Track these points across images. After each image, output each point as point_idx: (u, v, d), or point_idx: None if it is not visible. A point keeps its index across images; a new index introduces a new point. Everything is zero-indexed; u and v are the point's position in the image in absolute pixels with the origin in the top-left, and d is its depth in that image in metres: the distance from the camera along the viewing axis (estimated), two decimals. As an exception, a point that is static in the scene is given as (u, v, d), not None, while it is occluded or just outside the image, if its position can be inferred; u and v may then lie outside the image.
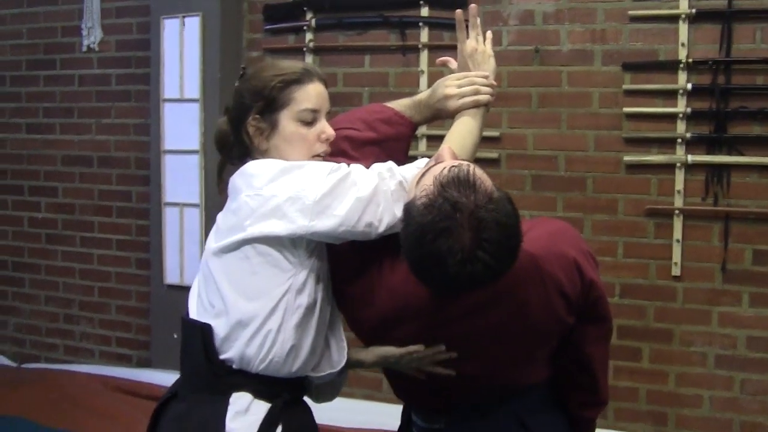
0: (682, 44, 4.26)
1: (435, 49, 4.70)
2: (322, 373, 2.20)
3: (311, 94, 2.16)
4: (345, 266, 2.15)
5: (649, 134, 4.38)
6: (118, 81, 5.56)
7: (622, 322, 4.36)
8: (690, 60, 4.25)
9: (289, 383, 2.13)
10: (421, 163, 2.11)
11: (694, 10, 4.22)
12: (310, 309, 2.08)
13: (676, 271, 4.36)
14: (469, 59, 2.39)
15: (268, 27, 5.08)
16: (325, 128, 2.17)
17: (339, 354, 2.21)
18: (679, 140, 4.29)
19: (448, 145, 2.09)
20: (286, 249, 2.03)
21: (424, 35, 4.75)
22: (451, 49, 4.42)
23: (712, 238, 4.32)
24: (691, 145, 4.29)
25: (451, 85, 2.34)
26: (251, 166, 2.09)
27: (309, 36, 4.96)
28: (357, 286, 2.12)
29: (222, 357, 2.08)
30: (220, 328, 2.08)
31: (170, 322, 5.20)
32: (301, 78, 2.16)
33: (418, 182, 1.91)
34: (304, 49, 4.96)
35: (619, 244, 4.42)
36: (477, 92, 2.33)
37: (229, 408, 2.05)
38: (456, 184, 1.79)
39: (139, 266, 5.60)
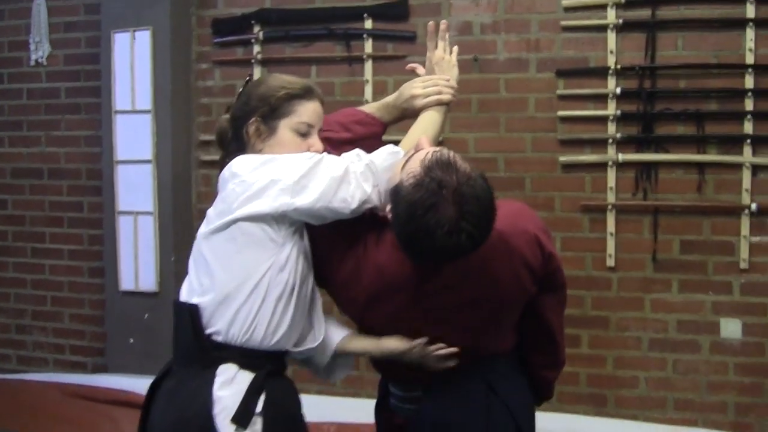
0: (611, 52, 4.55)
1: (379, 59, 4.94)
2: (303, 348, 2.44)
3: (310, 110, 2.43)
4: (332, 251, 2.38)
5: (582, 136, 4.65)
6: (67, 94, 5.63)
7: (562, 312, 4.64)
8: (618, 66, 4.54)
9: (271, 356, 2.35)
10: (388, 149, 2.38)
11: (621, 21, 4.51)
12: (290, 285, 2.31)
13: (610, 262, 4.64)
14: (436, 65, 2.71)
15: (217, 40, 5.24)
16: (315, 143, 2.43)
17: (319, 331, 2.45)
18: (610, 141, 4.57)
19: (425, 135, 2.39)
20: (270, 228, 2.26)
21: (369, 46, 4.97)
22: (394, 59, 4.79)
23: (642, 231, 4.60)
24: (621, 144, 4.57)
25: (417, 87, 2.64)
26: (236, 161, 2.34)
27: (257, 48, 5.13)
28: (344, 268, 2.35)
29: (209, 332, 2.30)
30: (208, 304, 2.30)
31: (126, 327, 5.35)
32: (304, 94, 2.43)
33: (402, 168, 2.19)
34: (253, 61, 5.12)
35: (557, 239, 4.64)
36: (440, 92, 2.63)
37: (217, 378, 2.26)
38: (440, 166, 2.09)
39: (91, 275, 5.67)
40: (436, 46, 2.74)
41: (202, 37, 5.32)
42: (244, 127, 2.44)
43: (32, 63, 5.67)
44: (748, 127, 4.41)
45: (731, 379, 4.55)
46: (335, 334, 2.46)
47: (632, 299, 4.65)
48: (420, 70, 2.75)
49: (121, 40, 5.20)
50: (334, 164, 2.30)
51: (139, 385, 5.17)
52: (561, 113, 4.66)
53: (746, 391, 4.54)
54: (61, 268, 5.77)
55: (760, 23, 4.36)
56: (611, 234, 4.63)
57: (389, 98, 2.69)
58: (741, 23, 4.39)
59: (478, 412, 2.41)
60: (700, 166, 4.49)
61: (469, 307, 2.33)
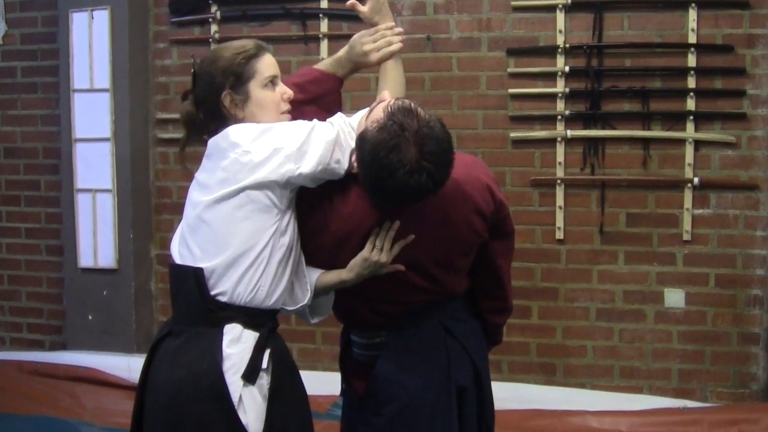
0: (560, 31, 4.68)
1: (334, 38, 5.02)
2: (291, 308, 2.57)
3: (269, 63, 2.54)
4: (303, 203, 2.50)
5: (532, 112, 4.79)
6: (23, 73, 5.63)
7: (513, 284, 4.72)
8: (567, 45, 4.68)
9: (269, 314, 2.49)
10: (363, 113, 2.51)
11: (569, 1, 4.65)
12: (288, 248, 2.45)
13: (559, 235, 4.79)
14: (378, 15, 2.78)
15: (174, 20, 5.28)
16: (285, 90, 2.55)
17: (302, 292, 2.56)
18: (559, 117, 4.72)
19: (387, 90, 2.57)
20: (274, 195, 2.38)
21: (324, 26, 5.06)
22: (349, 38, 4.73)
23: (590, 204, 4.75)
24: (570, 121, 4.72)
25: (367, 42, 2.75)
26: (233, 131, 2.43)
27: (214, 28, 5.18)
28: (314, 217, 2.49)
29: (213, 293, 2.40)
30: (213, 268, 2.40)
31: (85, 304, 5.40)
32: (258, 52, 2.53)
33: (367, 117, 2.36)
34: (210, 40, 5.17)
35: (509, 213, 4.80)
36: (390, 43, 2.75)
37: (224, 337, 2.38)
38: (401, 112, 2.24)
39: (49, 253, 5.69)
40: None
41: (160, 16, 5.35)
42: (217, 104, 2.52)
43: (-12, 42, 5.67)
44: (690, 104, 4.57)
45: (675, 347, 4.72)
46: (312, 274, 2.56)
47: (580, 271, 4.80)
48: (359, 6, 2.81)
49: (79, 20, 5.24)
50: (326, 129, 2.43)
51: (99, 361, 5.25)
52: (512, 91, 4.79)
53: (689, 359, 4.71)
54: (18, 246, 5.77)
55: (702, 4, 4.52)
56: (560, 207, 4.77)
57: (341, 53, 2.78)
58: (684, 4, 4.55)
59: (439, 352, 2.56)
60: (645, 142, 4.64)
61: (427, 250, 2.47)
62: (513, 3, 4.75)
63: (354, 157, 2.37)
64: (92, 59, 5.23)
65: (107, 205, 5.29)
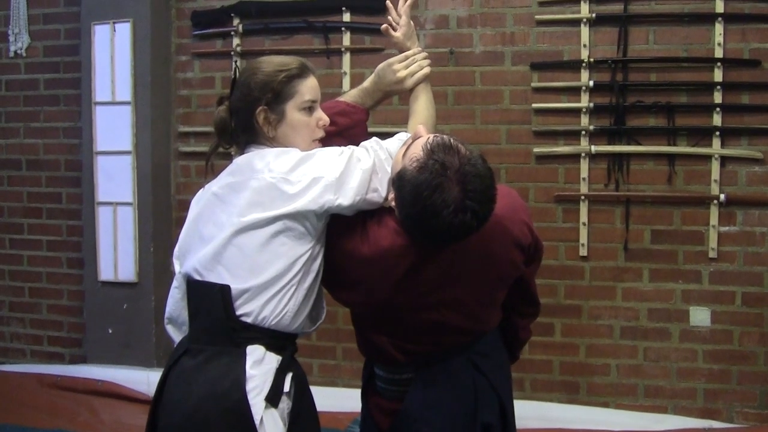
0: (584, 45, 4.64)
1: (357, 52, 5.01)
2: (308, 330, 2.53)
3: (310, 86, 2.48)
4: (334, 229, 2.44)
5: (556, 127, 4.74)
6: (46, 85, 5.64)
7: (536, 301, 4.71)
8: (591, 59, 4.62)
9: (291, 338, 2.45)
10: (401, 137, 2.48)
11: (594, 15, 4.60)
12: (317, 274, 2.41)
13: (583, 251, 4.72)
14: (407, 38, 2.81)
15: (196, 32, 5.28)
16: (321, 116, 2.51)
17: (317, 313, 2.53)
18: (583, 132, 4.66)
19: (420, 124, 2.47)
20: (311, 223, 2.34)
21: (347, 39, 5.04)
22: (372, 52, 4.84)
23: (614, 221, 4.69)
24: (594, 136, 4.66)
25: (399, 69, 2.74)
26: (272, 154, 2.38)
27: (236, 41, 5.17)
28: (345, 246, 2.41)
29: (238, 313, 2.34)
30: (243, 290, 2.34)
31: (105, 317, 5.38)
32: (301, 72, 2.47)
33: (404, 155, 2.27)
34: (232, 53, 5.17)
35: (531, 229, 4.75)
36: (421, 67, 2.76)
37: (248, 358, 2.32)
38: (442, 149, 2.17)
39: (70, 265, 5.68)
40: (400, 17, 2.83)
41: (182, 29, 5.35)
42: (251, 117, 2.46)
43: (11, 54, 5.66)
44: (717, 120, 4.51)
45: (700, 366, 4.64)
46: None
47: (604, 288, 4.74)
48: (392, 32, 2.81)
49: (101, 32, 5.23)
50: (363, 157, 2.38)
51: (118, 375, 5.24)
52: (535, 105, 4.75)
53: (715, 378, 4.63)
54: (39, 258, 5.77)
55: (728, 18, 4.46)
56: (584, 224, 4.70)
57: (367, 84, 2.76)
58: (710, 18, 4.48)
59: (466, 389, 2.49)
60: (671, 158, 4.57)
61: (469, 287, 2.42)
62: (537, 17, 4.71)
63: (391, 196, 2.31)
64: (114, 72, 5.22)
65: (128, 219, 5.27)
